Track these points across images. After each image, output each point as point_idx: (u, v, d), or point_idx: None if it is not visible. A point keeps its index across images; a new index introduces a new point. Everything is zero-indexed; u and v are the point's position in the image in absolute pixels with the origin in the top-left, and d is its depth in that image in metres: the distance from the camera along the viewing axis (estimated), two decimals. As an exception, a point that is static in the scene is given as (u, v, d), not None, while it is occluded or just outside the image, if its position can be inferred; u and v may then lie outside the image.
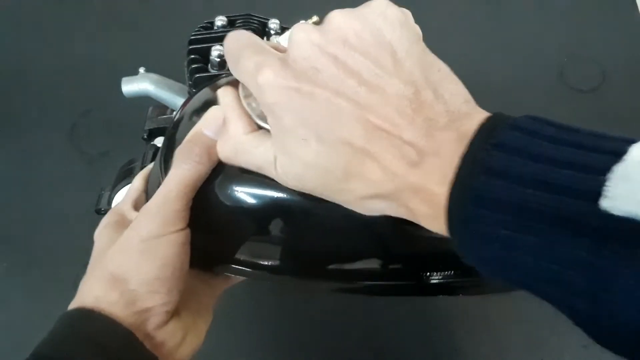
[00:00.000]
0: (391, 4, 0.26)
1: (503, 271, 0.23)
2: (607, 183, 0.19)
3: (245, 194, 0.31)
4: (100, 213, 0.54)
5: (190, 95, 0.38)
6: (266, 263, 0.34)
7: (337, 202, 0.27)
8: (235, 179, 0.31)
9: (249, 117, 0.29)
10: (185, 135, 0.34)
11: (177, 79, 0.54)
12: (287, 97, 0.24)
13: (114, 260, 0.31)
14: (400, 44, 0.25)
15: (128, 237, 0.31)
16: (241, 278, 0.36)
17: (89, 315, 0.30)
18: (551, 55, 0.81)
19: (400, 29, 0.25)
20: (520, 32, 0.84)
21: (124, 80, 0.53)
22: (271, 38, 0.51)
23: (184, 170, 0.31)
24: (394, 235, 0.31)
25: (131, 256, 0.31)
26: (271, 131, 0.27)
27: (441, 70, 0.25)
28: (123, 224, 0.34)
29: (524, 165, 0.21)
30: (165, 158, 0.35)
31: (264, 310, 0.61)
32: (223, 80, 0.39)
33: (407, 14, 0.26)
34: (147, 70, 0.54)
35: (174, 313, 0.32)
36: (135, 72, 0.54)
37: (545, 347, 0.59)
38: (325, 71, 0.24)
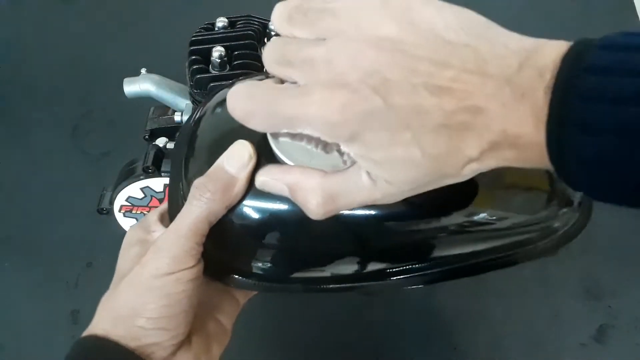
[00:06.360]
0: None
1: (617, 195, 0.22)
2: None
3: (252, 208, 0.31)
4: (102, 212, 0.55)
5: (210, 95, 0.37)
6: (274, 273, 0.34)
7: (434, 186, 0.26)
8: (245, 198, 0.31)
9: (305, 166, 0.28)
10: (206, 133, 0.33)
11: (178, 79, 0.54)
12: (369, 118, 0.24)
13: (122, 297, 0.31)
14: (435, 23, 0.24)
15: (137, 273, 0.31)
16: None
17: (100, 344, 0.30)
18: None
19: (429, 10, 0.25)
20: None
21: (126, 81, 0.54)
22: (272, 39, 0.51)
23: (196, 207, 0.30)
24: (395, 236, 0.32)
25: (138, 293, 0.30)
26: (359, 155, 0.26)
27: (479, 20, 0.25)
28: (147, 241, 0.34)
29: (622, 83, 0.20)
30: (187, 157, 0.34)
31: (263, 310, 0.61)
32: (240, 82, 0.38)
33: None
34: (149, 71, 0.55)
35: (184, 342, 0.32)
36: (137, 73, 0.55)
37: (544, 346, 0.60)
38: (393, 76, 0.24)
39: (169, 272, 0.30)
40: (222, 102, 0.34)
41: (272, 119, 0.26)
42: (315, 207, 0.27)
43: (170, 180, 0.35)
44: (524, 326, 0.61)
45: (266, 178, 0.29)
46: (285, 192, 0.29)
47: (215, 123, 0.34)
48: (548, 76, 0.22)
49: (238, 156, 0.30)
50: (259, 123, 0.27)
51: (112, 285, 0.33)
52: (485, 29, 0.25)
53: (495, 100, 0.23)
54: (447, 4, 0.25)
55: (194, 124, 0.35)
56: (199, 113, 0.36)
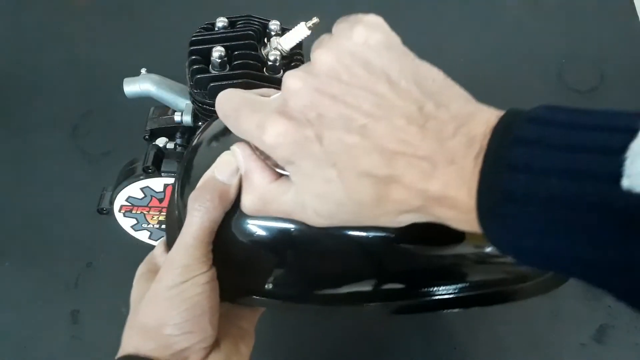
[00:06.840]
0: (371, 29, 0.26)
1: (540, 260, 0.23)
2: (626, 162, 0.19)
3: (259, 227, 0.32)
4: (102, 212, 0.55)
5: (210, 121, 0.38)
6: (286, 292, 0.36)
7: (367, 224, 0.27)
8: (249, 216, 0.32)
9: (270, 167, 0.29)
10: (203, 160, 0.34)
11: (179, 79, 0.54)
12: (299, 147, 0.25)
13: (145, 313, 0.33)
14: (391, 67, 0.25)
15: (154, 289, 0.33)
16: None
17: None
18: (550, 56, 0.82)
19: (386, 53, 0.26)
20: (519, 34, 0.84)
21: (126, 80, 0.54)
22: (272, 39, 0.51)
23: (197, 218, 0.32)
24: (409, 255, 0.32)
25: (159, 305, 0.32)
26: (293, 179, 0.27)
27: (436, 79, 0.26)
28: (155, 271, 0.35)
29: (545, 157, 0.21)
30: (182, 184, 0.35)
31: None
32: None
33: (388, 32, 0.27)
34: (149, 71, 0.55)
35: (214, 345, 0.33)
36: (137, 73, 0.55)
37: (544, 346, 0.60)
38: (329, 113, 0.25)
39: (183, 281, 0.31)
40: (218, 134, 0.36)
41: (236, 128, 0.28)
42: (247, 203, 0.30)
43: (169, 202, 0.37)
44: (524, 326, 0.61)
45: (238, 152, 0.31)
46: (241, 170, 0.31)
47: (210, 154, 0.35)
48: (477, 146, 0.23)
49: (227, 165, 0.31)
50: (232, 128, 0.29)
51: (131, 312, 0.34)
52: (437, 89, 0.25)
53: (427, 160, 0.24)
54: (411, 55, 0.26)
55: (191, 151, 0.36)
56: (196, 140, 0.37)
